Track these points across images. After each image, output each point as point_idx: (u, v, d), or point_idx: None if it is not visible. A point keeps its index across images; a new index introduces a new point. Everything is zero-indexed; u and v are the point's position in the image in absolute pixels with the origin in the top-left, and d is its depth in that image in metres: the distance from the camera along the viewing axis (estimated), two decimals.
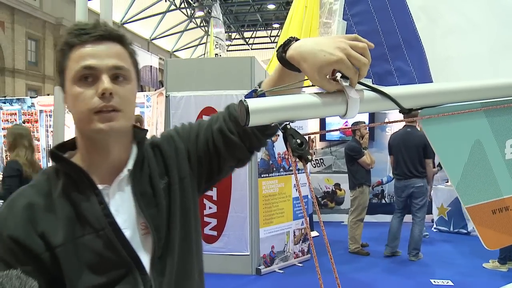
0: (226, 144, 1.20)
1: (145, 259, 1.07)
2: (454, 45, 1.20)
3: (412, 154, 5.79)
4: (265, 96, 0.87)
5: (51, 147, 1.11)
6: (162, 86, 5.65)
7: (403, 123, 6.09)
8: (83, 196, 1.04)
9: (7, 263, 0.97)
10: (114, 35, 1.06)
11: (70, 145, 1.14)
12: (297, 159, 0.88)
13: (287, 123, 0.88)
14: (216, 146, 1.21)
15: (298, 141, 0.86)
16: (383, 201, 8.60)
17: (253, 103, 0.84)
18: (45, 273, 1.00)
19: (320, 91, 0.93)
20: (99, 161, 1.08)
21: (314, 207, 8.57)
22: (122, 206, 1.08)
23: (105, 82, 1.00)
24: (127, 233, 1.06)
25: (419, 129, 5.75)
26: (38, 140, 8.78)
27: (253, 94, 0.93)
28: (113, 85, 1.02)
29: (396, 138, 6.04)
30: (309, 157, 0.86)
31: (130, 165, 1.11)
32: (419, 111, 1.01)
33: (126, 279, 1.03)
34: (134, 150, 1.14)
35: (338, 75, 0.95)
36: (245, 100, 0.84)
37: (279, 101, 0.86)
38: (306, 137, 0.88)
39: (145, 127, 7.41)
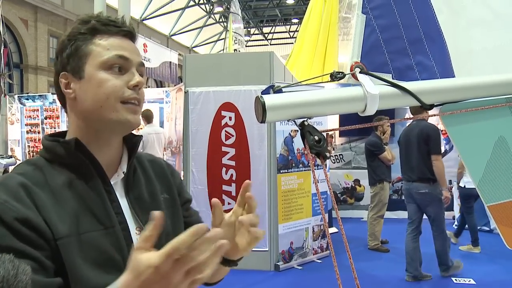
0: None
1: None
2: (478, 38, 1.17)
3: (412, 151, 4.81)
4: (282, 92, 0.86)
5: (44, 136, 1.06)
6: (182, 82, 5.67)
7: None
8: (92, 191, 1.00)
9: (21, 252, 0.84)
10: (135, 35, 1.08)
11: (61, 137, 1.07)
12: (315, 156, 0.87)
13: (305, 119, 0.87)
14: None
15: (316, 137, 0.84)
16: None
17: (270, 100, 0.83)
18: (55, 263, 0.90)
19: (338, 87, 0.92)
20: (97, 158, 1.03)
21: (333, 203, 8.54)
22: None
23: (137, 75, 1.02)
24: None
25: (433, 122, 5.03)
26: None
27: (270, 90, 0.92)
28: None
29: (401, 135, 5.17)
30: (327, 154, 0.85)
31: (124, 167, 1.08)
32: (440, 107, 0.99)
33: None
34: (126, 154, 1.11)
35: (357, 70, 0.93)
36: (261, 97, 0.83)
37: (297, 97, 0.85)
38: (324, 133, 0.86)
39: (155, 123, 7.34)
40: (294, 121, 0.87)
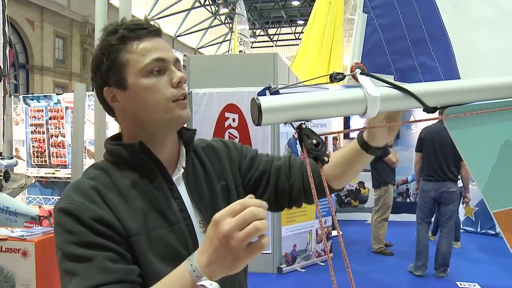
0: (276, 183, 1.25)
1: None
2: (485, 38, 1.13)
3: (448, 153, 4.90)
4: (279, 94, 0.83)
5: (108, 139, 1.11)
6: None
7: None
8: (156, 190, 1.05)
9: (101, 245, 0.91)
10: (161, 31, 1.09)
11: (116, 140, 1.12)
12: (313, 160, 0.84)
13: (303, 122, 0.84)
14: (269, 179, 1.25)
15: (314, 141, 0.81)
16: (408, 200, 8.44)
17: (266, 101, 0.80)
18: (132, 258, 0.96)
19: (343, 89, 0.89)
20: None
21: (338, 206, 8.48)
22: None
23: (177, 71, 1.04)
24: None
25: None
26: (64, 136, 8.93)
27: (267, 91, 0.89)
28: None
29: (429, 133, 5.12)
30: (326, 158, 0.82)
31: (183, 162, 1.12)
32: (444, 109, 0.96)
33: None
34: (183, 149, 1.15)
35: (358, 71, 0.90)
36: (257, 98, 0.80)
37: (294, 99, 0.82)
38: (323, 137, 0.83)
39: None
40: (292, 124, 0.84)
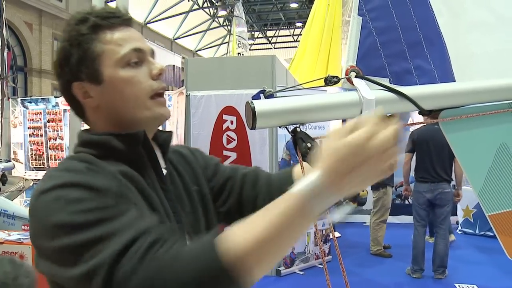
0: (241, 190, 1.14)
1: None
2: (480, 41, 1.13)
3: (442, 154, 4.91)
4: (273, 97, 0.83)
5: (81, 131, 0.99)
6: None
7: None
8: (150, 187, 0.94)
9: (125, 208, 0.79)
10: (132, 20, 1.01)
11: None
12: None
13: (297, 125, 0.84)
14: (233, 185, 1.15)
15: (309, 145, 0.81)
16: (406, 202, 8.43)
17: (261, 105, 0.80)
18: None
19: (341, 91, 0.88)
20: None
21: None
22: None
23: (156, 63, 0.96)
24: None
25: None
26: (62, 139, 8.92)
27: (261, 95, 0.89)
28: None
29: (422, 134, 5.10)
30: None
31: (162, 164, 1.03)
32: (440, 112, 0.95)
33: None
34: (157, 150, 1.05)
35: (353, 74, 0.90)
36: (251, 102, 0.80)
37: (289, 103, 0.82)
38: (318, 140, 0.83)
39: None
40: (287, 128, 0.84)
